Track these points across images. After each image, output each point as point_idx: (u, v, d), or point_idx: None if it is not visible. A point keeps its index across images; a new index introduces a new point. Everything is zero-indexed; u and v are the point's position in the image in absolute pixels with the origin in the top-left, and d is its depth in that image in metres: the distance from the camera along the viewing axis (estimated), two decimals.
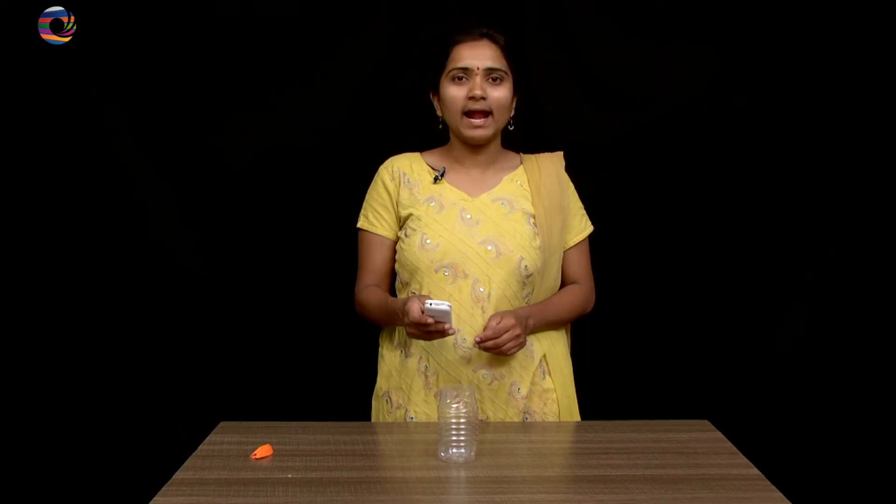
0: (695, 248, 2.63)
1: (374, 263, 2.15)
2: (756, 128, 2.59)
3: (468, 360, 2.03)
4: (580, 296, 2.19)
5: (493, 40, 2.07)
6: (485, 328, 1.95)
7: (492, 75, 2.05)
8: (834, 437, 2.63)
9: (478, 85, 2.04)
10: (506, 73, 2.07)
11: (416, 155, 2.19)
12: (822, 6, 2.52)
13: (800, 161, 2.60)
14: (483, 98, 2.04)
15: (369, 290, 2.12)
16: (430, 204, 2.09)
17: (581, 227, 2.21)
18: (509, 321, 1.94)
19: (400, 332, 2.11)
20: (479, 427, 1.78)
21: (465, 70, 2.05)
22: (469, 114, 2.06)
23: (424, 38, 2.49)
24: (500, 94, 2.06)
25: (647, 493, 1.56)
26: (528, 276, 2.06)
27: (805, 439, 2.62)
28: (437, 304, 1.83)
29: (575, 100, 2.59)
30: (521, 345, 1.99)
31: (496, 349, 1.95)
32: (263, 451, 1.74)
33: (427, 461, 1.72)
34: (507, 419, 2.06)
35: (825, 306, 2.63)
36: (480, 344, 1.94)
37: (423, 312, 1.84)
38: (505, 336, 1.93)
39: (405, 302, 1.91)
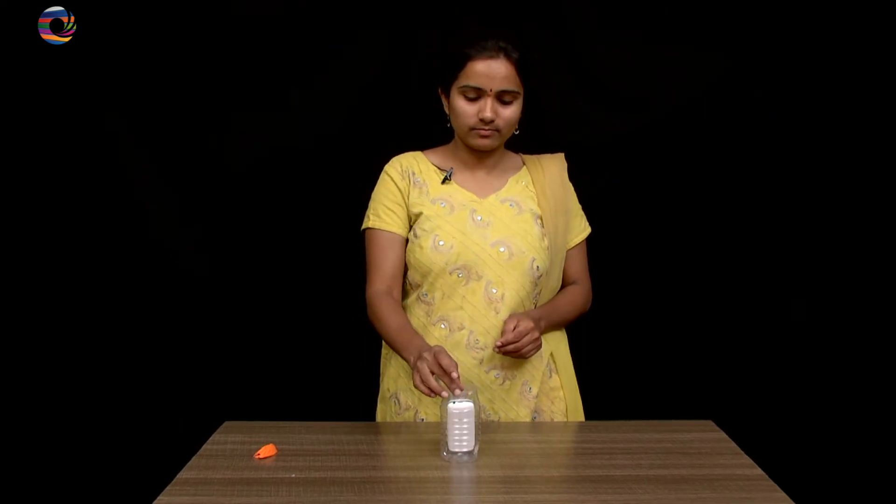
0: (697, 249, 2.63)
1: (387, 263, 2.06)
2: (757, 128, 2.60)
3: (480, 362, 2.02)
4: (582, 296, 2.19)
5: (509, 57, 1.98)
6: (503, 332, 1.94)
7: (504, 97, 2.00)
8: (837, 438, 2.64)
9: (489, 107, 1.99)
10: (518, 92, 2.01)
11: (420, 154, 2.16)
12: (823, 8, 2.53)
13: (801, 161, 2.61)
14: (493, 120, 2.00)
15: (391, 307, 2.01)
16: (440, 205, 2.07)
17: (581, 227, 2.21)
18: (528, 324, 1.93)
19: None
20: (484, 427, 1.78)
21: (478, 90, 1.99)
22: (477, 128, 2.03)
23: (438, 40, 2.44)
24: (511, 112, 2.02)
25: (650, 494, 1.56)
26: (539, 277, 2.06)
27: (809, 439, 2.63)
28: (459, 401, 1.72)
29: (575, 100, 2.59)
30: (539, 347, 1.99)
31: (516, 353, 1.94)
32: (267, 450, 1.74)
33: (431, 461, 1.72)
34: (519, 419, 2.06)
35: (827, 307, 2.63)
36: (501, 349, 1.93)
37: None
38: (525, 339, 1.93)
39: (425, 350, 1.80)
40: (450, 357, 1.75)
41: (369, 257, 2.09)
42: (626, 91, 2.62)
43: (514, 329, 1.92)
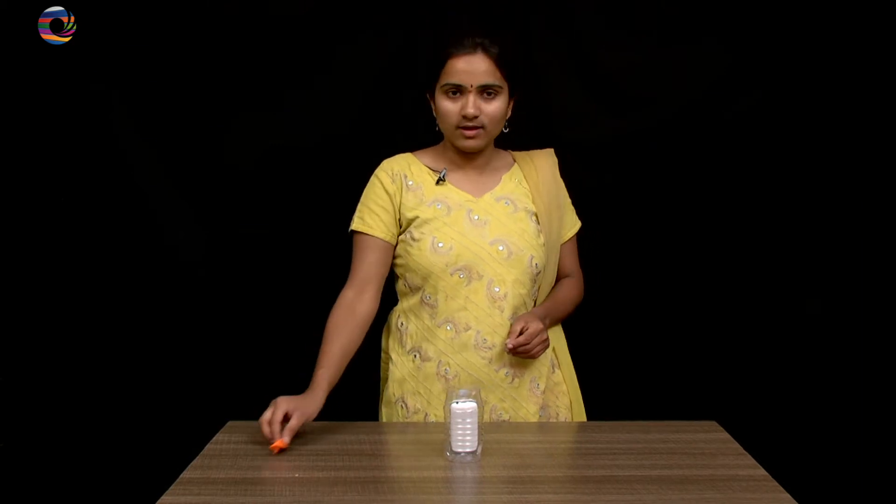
0: (701, 248, 2.63)
1: (362, 267, 2.07)
2: (760, 129, 2.60)
3: (490, 361, 2.03)
4: (577, 289, 2.22)
5: (487, 52, 1.99)
6: (510, 333, 1.97)
7: (486, 91, 2.00)
8: (841, 438, 2.64)
9: (471, 103, 1.99)
10: (500, 86, 2.01)
11: (411, 156, 2.16)
12: (826, 9, 2.53)
13: (803, 161, 2.60)
14: (476, 116, 2.01)
15: (336, 326, 2.01)
16: (436, 206, 2.07)
17: (573, 221, 2.23)
18: (537, 325, 1.97)
19: (411, 338, 2.09)
20: (488, 427, 1.78)
21: (458, 86, 2.00)
22: (462, 126, 2.04)
23: (424, 40, 2.48)
24: (494, 108, 2.02)
25: (654, 494, 1.56)
26: (537, 274, 2.08)
27: (812, 440, 2.62)
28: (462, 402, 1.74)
29: (580, 99, 2.59)
30: (547, 346, 2.02)
31: (525, 354, 1.98)
32: (280, 443, 1.75)
33: (434, 461, 1.72)
34: (529, 415, 2.07)
35: (832, 307, 2.63)
36: (513, 351, 1.96)
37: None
38: (535, 340, 1.96)
39: (313, 392, 1.92)
40: (295, 419, 1.80)
41: (352, 259, 2.11)
42: (630, 90, 2.61)
43: (525, 332, 1.95)
